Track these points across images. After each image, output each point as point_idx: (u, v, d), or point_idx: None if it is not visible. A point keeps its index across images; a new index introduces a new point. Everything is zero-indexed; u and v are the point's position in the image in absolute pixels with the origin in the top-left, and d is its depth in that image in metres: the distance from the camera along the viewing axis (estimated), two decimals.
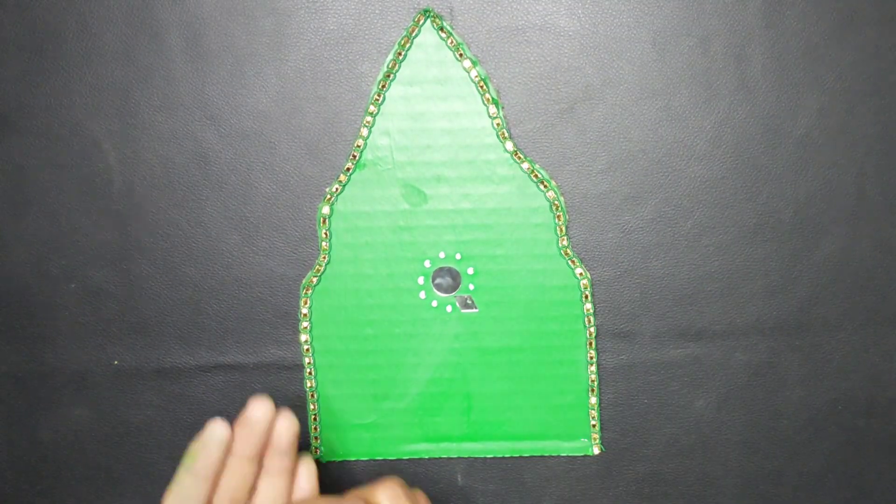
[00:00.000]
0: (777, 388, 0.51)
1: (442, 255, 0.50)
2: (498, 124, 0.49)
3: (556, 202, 0.50)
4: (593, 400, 0.51)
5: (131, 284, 0.51)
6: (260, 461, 0.44)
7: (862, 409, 0.51)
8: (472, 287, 0.50)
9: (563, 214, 0.50)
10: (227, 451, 0.43)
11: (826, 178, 0.50)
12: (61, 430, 0.52)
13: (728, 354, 0.51)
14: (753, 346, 0.51)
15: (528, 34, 0.49)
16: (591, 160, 0.50)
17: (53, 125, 0.50)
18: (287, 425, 0.43)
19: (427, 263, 0.50)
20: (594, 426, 0.51)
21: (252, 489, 0.44)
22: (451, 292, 0.50)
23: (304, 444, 0.52)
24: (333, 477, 0.52)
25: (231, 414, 0.44)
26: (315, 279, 0.50)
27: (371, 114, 0.49)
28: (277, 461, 0.44)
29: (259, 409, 0.43)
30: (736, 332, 0.51)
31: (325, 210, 0.50)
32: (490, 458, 0.52)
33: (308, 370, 0.51)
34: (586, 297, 0.50)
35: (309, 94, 0.49)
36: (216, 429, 0.42)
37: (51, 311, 0.51)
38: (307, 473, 0.45)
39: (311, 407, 0.51)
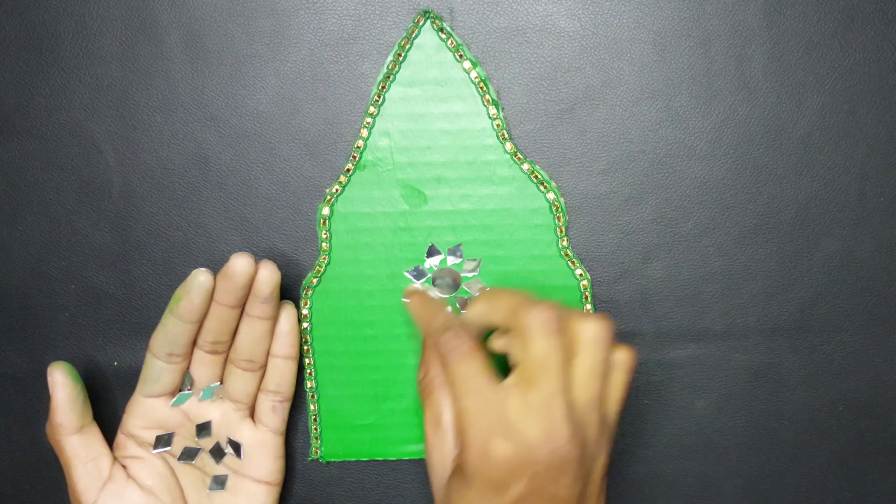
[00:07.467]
0: (778, 389, 0.51)
1: (442, 255, 0.50)
2: (498, 125, 0.49)
3: (556, 203, 0.50)
4: None
5: (131, 286, 0.51)
6: (242, 308, 0.46)
7: (863, 410, 0.51)
8: None
9: (564, 215, 0.50)
10: (209, 298, 0.45)
11: (827, 178, 0.50)
12: None
13: (728, 355, 0.51)
14: (754, 346, 0.51)
15: (528, 35, 0.49)
16: (592, 161, 0.50)
17: (52, 126, 0.50)
18: (268, 275, 0.45)
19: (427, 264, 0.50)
20: None
21: (234, 332, 0.46)
22: (452, 293, 0.50)
23: (303, 443, 0.52)
24: (334, 477, 0.52)
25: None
26: (315, 280, 0.50)
27: (371, 115, 0.49)
28: (258, 308, 0.45)
29: (239, 263, 0.44)
30: (736, 333, 0.51)
31: (325, 211, 0.50)
32: None
33: (308, 370, 0.51)
34: (586, 297, 0.50)
35: (309, 94, 0.49)
36: (198, 277, 0.44)
37: (50, 313, 0.51)
38: (287, 316, 0.47)
39: (312, 407, 0.51)
